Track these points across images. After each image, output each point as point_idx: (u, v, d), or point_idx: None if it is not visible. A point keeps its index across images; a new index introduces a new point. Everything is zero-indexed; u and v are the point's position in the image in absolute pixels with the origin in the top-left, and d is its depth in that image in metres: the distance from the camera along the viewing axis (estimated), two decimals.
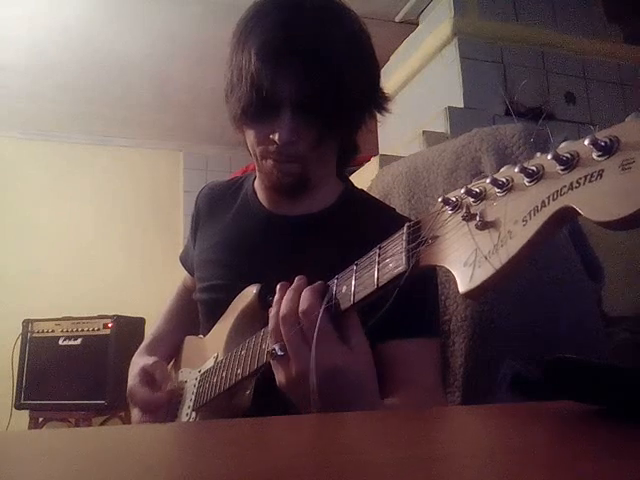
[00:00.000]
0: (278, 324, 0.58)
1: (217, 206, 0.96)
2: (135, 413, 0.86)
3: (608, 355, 0.88)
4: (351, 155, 0.92)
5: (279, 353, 0.57)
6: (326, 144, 0.79)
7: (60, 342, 2.67)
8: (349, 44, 0.76)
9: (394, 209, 0.93)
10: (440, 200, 0.41)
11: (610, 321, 0.95)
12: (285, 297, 0.59)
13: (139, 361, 0.90)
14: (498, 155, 0.96)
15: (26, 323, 2.74)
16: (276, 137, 0.75)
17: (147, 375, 0.86)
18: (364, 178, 1.31)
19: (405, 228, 0.47)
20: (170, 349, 0.99)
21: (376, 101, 0.84)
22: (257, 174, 0.89)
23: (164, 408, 0.84)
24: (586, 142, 0.31)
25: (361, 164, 1.79)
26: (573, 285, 0.90)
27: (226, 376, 0.72)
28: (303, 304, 0.56)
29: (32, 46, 2.60)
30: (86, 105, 3.18)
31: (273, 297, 0.61)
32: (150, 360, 0.88)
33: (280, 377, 0.58)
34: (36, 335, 2.71)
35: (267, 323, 0.64)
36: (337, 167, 0.90)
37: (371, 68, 0.82)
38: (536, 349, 0.85)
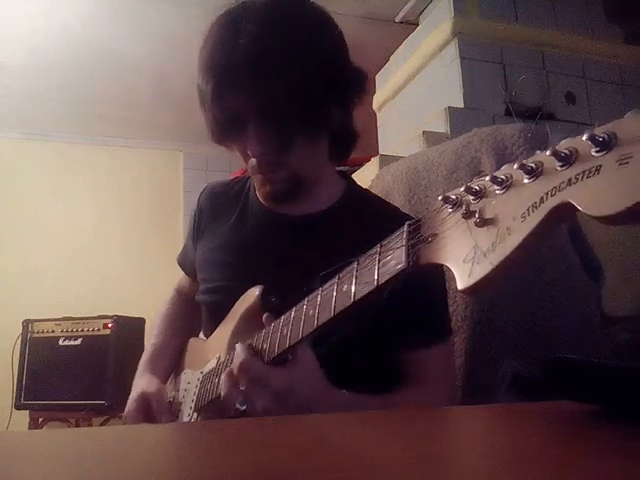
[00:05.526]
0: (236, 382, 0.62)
1: (221, 207, 0.95)
2: None
3: (608, 355, 0.88)
4: (347, 142, 0.88)
5: (242, 408, 0.59)
6: (301, 143, 0.78)
7: (60, 342, 2.67)
8: (292, 48, 0.74)
9: (398, 208, 0.92)
10: (440, 198, 0.42)
11: (610, 321, 0.95)
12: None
13: (141, 383, 0.90)
14: (498, 155, 0.96)
15: (26, 323, 2.74)
16: (249, 152, 0.78)
17: (145, 403, 0.86)
18: (364, 178, 1.31)
19: (405, 226, 0.47)
20: (172, 360, 0.99)
21: (341, 90, 0.80)
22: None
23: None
24: (584, 138, 0.31)
25: (361, 164, 1.79)
26: (572, 285, 0.90)
27: None
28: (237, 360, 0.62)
29: (32, 46, 2.60)
30: (85, 105, 3.18)
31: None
32: (153, 386, 0.88)
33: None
34: (36, 335, 2.71)
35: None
36: (335, 158, 0.88)
37: (325, 61, 0.77)
38: (536, 349, 0.86)
